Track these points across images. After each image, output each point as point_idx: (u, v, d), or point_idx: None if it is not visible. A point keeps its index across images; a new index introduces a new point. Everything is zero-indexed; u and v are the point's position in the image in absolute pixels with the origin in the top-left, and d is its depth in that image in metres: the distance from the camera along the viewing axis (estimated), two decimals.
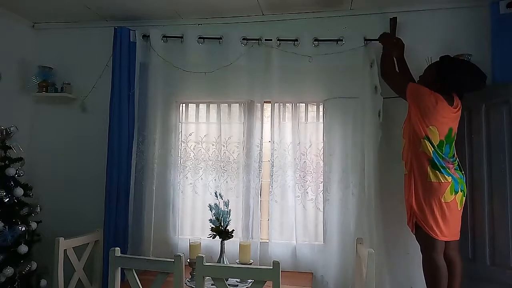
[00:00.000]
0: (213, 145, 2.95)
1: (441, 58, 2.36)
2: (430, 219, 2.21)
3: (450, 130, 2.27)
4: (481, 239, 2.42)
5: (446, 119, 2.26)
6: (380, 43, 2.65)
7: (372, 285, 2.06)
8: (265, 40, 2.85)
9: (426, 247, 2.26)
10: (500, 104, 2.39)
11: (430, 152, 2.23)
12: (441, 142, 2.24)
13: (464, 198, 2.29)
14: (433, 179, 2.22)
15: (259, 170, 2.82)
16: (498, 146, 2.39)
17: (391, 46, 2.60)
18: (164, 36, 2.96)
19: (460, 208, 2.27)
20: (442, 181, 2.20)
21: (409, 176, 2.34)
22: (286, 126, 2.97)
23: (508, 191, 2.33)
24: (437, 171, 2.21)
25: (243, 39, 2.88)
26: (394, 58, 2.61)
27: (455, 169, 2.28)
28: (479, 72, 2.27)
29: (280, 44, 2.86)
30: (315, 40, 2.82)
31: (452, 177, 2.23)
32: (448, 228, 2.22)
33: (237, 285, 2.31)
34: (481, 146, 2.46)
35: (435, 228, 2.21)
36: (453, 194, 2.22)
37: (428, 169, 2.23)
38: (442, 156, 2.24)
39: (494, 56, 2.57)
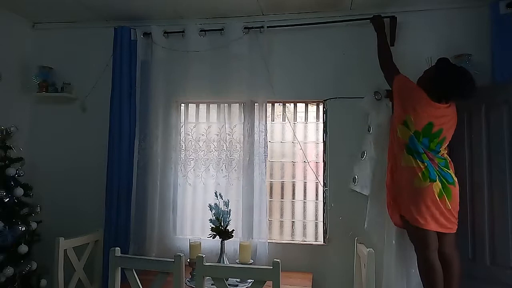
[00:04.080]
0: (214, 143, 2.95)
1: (438, 60, 2.33)
2: (410, 205, 2.22)
3: (430, 124, 2.22)
4: (481, 239, 2.41)
5: (425, 113, 2.22)
6: (373, 25, 2.67)
7: (372, 285, 2.06)
8: (266, 36, 2.86)
9: (419, 244, 2.24)
10: (500, 104, 2.39)
11: (406, 136, 2.25)
12: (416, 132, 2.23)
13: (445, 191, 2.20)
14: (404, 163, 2.25)
15: (261, 169, 2.80)
16: (498, 146, 2.39)
17: (383, 29, 2.64)
18: (165, 32, 2.97)
19: (438, 199, 2.18)
20: (414, 165, 2.21)
21: (389, 164, 2.42)
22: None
23: (508, 191, 2.33)
24: (410, 156, 2.23)
25: (244, 28, 2.87)
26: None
27: (439, 165, 2.24)
28: (469, 82, 2.22)
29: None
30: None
31: (428, 164, 2.21)
32: (431, 217, 2.18)
33: (237, 285, 2.32)
34: (481, 146, 2.46)
35: (416, 215, 2.19)
36: (427, 181, 2.18)
37: (403, 153, 2.27)
38: (421, 143, 2.23)
39: (494, 56, 2.57)
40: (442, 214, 2.21)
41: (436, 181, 2.20)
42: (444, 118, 2.28)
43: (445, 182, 2.23)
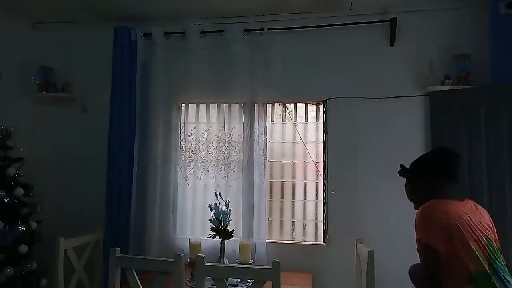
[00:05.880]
0: (213, 145, 2.95)
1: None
2: None
3: None
4: None
5: None
6: None
7: (372, 285, 2.06)
8: (266, 37, 2.86)
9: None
10: (500, 104, 2.39)
11: None
12: None
13: None
14: None
15: (262, 169, 2.80)
16: (498, 146, 2.39)
17: None
18: (165, 33, 2.97)
19: None
20: None
21: None
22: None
23: (508, 191, 2.33)
24: None
25: (244, 30, 2.87)
26: None
27: None
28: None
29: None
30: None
31: None
32: None
33: (237, 285, 2.32)
34: (481, 146, 2.46)
35: None
36: None
37: None
38: None
39: (494, 56, 2.56)
40: None
41: None
42: None
43: None
